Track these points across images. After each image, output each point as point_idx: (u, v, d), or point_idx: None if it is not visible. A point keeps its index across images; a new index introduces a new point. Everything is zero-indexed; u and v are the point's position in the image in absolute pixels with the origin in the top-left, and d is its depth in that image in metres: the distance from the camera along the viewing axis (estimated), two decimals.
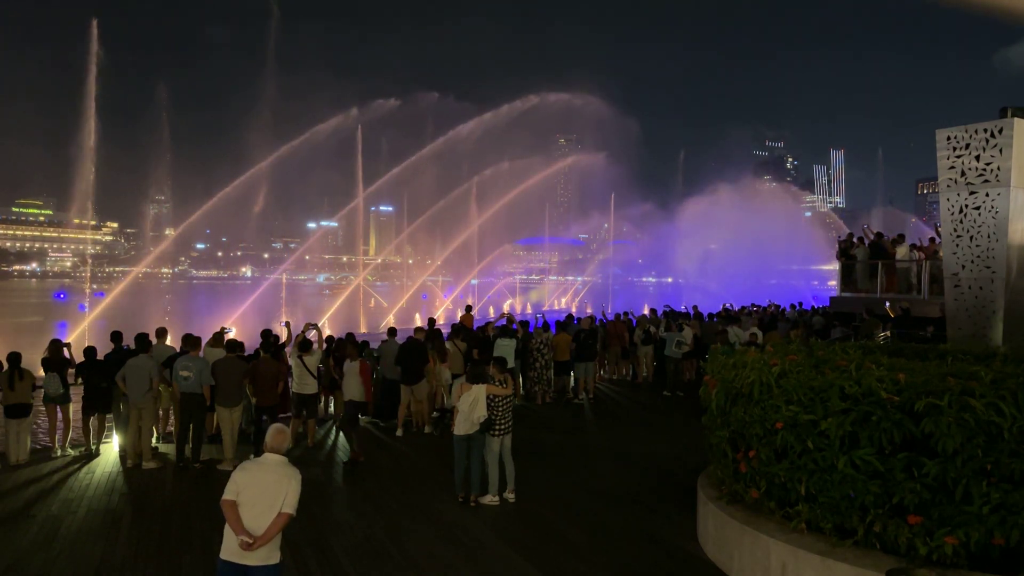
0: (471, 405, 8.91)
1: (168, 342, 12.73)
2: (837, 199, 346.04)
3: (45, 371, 11.83)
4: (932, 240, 19.84)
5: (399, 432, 13.47)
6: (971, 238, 9.70)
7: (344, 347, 13.79)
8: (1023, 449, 5.18)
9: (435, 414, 13.84)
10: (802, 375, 6.35)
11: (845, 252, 22.36)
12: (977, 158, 9.57)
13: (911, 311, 16.74)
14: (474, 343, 15.09)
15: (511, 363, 14.19)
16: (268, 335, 12.99)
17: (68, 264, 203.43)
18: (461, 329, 16.57)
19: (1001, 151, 9.36)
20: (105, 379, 11.57)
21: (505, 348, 14.34)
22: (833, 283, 28.30)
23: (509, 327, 15.55)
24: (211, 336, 13.07)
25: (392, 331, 14.91)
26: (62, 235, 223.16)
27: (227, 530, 5.05)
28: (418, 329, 14.47)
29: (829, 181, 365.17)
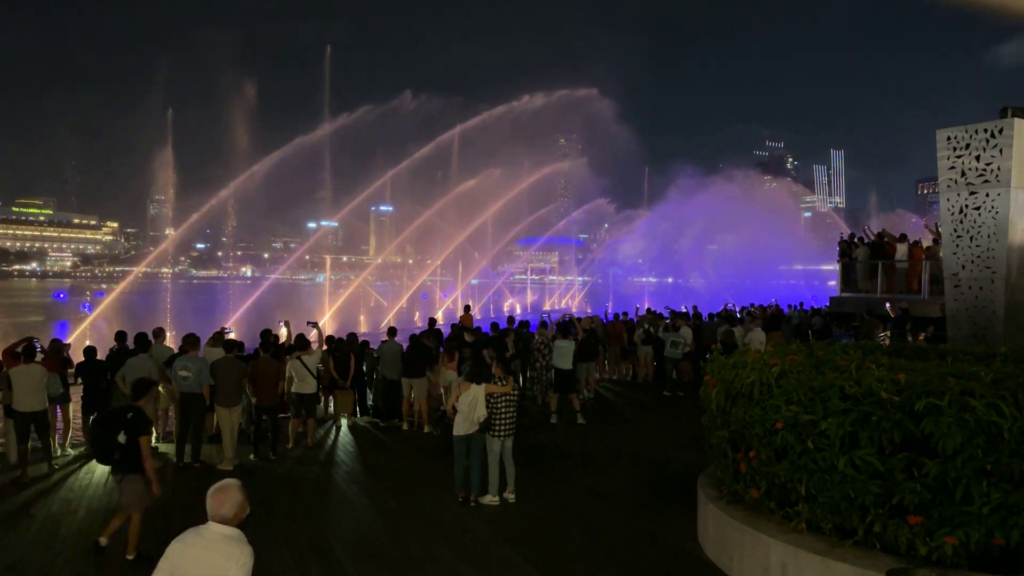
0: (471, 405, 8.91)
1: (166, 343, 12.71)
2: (837, 199, 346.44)
3: None
4: (935, 241, 19.79)
5: (404, 426, 13.53)
6: (971, 238, 9.71)
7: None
8: (1023, 449, 5.18)
9: (435, 413, 13.85)
10: (802, 375, 6.35)
11: (846, 252, 22.37)
12: (977, 158, 9.57)
13: (911, 311, 16.76)
14: (484, 343, 15.05)
15: (569, 364, 14.19)
16: (268, 335, 12.98)
17: (68, 264, 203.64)
18: (461, 330, 16.57)
19: (1001, 151, 9.36)
20: (104, 379, 11.57)
21: (564, 349, 14.26)
22: (833, 283, 28.29)
23: (567, 328, 15.36)
24: (211, 336, 13.07)
25: (392, 331, 14.90)
26: (62, 235, 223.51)
27: None
28: (424, 333, 14.55)
29: (829, 181, 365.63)
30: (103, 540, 7.28)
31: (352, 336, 15.21)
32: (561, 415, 14.19)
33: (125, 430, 7.07)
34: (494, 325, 17.25)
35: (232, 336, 13.36)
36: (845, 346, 8.25)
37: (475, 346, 13.99)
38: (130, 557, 7.04)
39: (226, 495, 3.89)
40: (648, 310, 23.03)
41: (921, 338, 15.01)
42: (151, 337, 11.98)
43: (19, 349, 10.70)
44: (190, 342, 11.22)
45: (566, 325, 15.23)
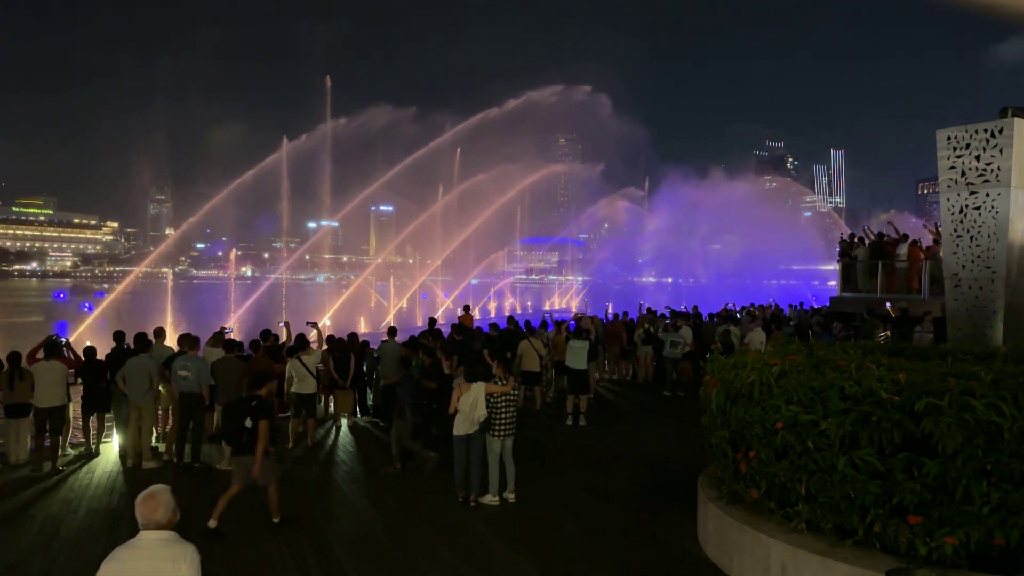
0: (471, 405, 8.91)
1: (167, 343, 12.71)
2: (837, 199, 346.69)
3: None
4: (935, 241, 19.78)
5: None
6: (971, 238, 9.69)
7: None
8: (1023, 449, 5.18)
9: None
10: (802, 375, 6.35)
11: (846, 252, 22.35)
12: (977, 158, 9.56)
13: (910, 311, 16.74)
14: (482, 342, 15.04)
15: (583, 364, 14.19)
16: (267, 335, 12.99)
17: (68, 264, 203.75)
18: (457, 329, 16.55)
19: (1001, 151, 9.35)
20: (104, 379, 11.58)
21: (578, 350, 14.26)
22: (833, 283, 28.29)
23: (581, 329, 15.32)
24: (211, 336, 13.08)
25: (392, 331, 14.90)
26: (62, 235, 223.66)
27: None
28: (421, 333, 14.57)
29: (829, 181, 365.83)
30: (275, 519, 8.14)
31: (352, 336, 15.20)
32: (575, 415, 14.14)
33: (251, 415, 7.99)
34: (493, 325, 17.22)
35: (232, 336, 13.35)
36: (845, 346, 8.24)
37: (464, 347, 13.99)
38: (276, 520, 8.10)
39: (158, 500, 3.82)
40: (648, 309, 23.02)
41: (931, 320, 14.91)
42: (151, 337, 11.98)
43: (40, 349, 11.13)
44: (188, 343, 11.25)
45: (580, 326, 15.22)
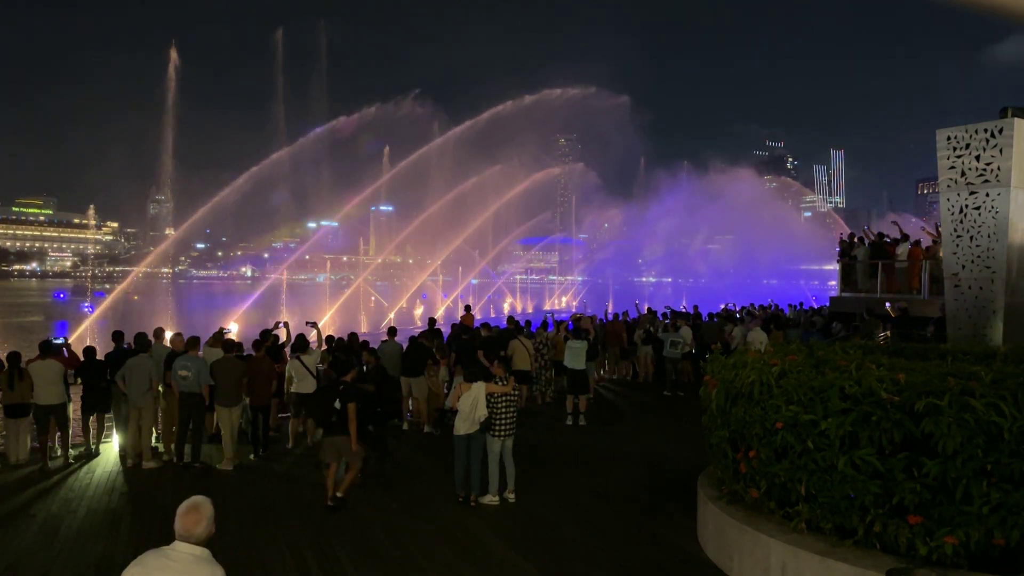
0: (471, 405, 8.90)
1: (166, 342, 12.71)
2: (837, 199, 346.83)
3: None
4: (935, 242, 19.74)
5: (404, 426, 13.50)
6: (971, 238, 9.70)
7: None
8: (1023, 449, 5.18)
9: (435, 413, 13.83)
10: (802, 375, 6.35)
11: (846, 252, 22.33)
12: (977, 158, 9.56)
13: (910, 311, 16.73)
14: (478, 343, 15.02)
15: (582, 365, 14.16)
16: (267, 335, 12.97)
17: (68, 264, 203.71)
18: (461, 329, 16.53)
19: (1001, 151, 9.35)
20: (104, 379, 11.58)
21: (577, 350, 14.23)
22: (833, 283, 28.28)
23: (580, 329, 15.32)
24: (211, 336, 13.07)
25: (392, 331, 14.90)
26: (62, 235, 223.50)
27: None
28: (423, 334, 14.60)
29: (829, 181, 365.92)
30: (339, 494, 8.69)
31: (352, 336, 15.19)
32: (575, 416, 14.11)
33: (340, 398, 8.67)
34: (485, 325, 17.12)
35: (232, 336, 13.35)
36: (845, 346, 8.24)
37: (468, 346, 13.94)
38: (340, 494, 8.67)
39: (201, 513, 3.57)
40: (648, 309, 23.01)
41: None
42: (151, 337, 11.98)
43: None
44: (189, 343, 11.24)
45: (579, 326, 15.17)
